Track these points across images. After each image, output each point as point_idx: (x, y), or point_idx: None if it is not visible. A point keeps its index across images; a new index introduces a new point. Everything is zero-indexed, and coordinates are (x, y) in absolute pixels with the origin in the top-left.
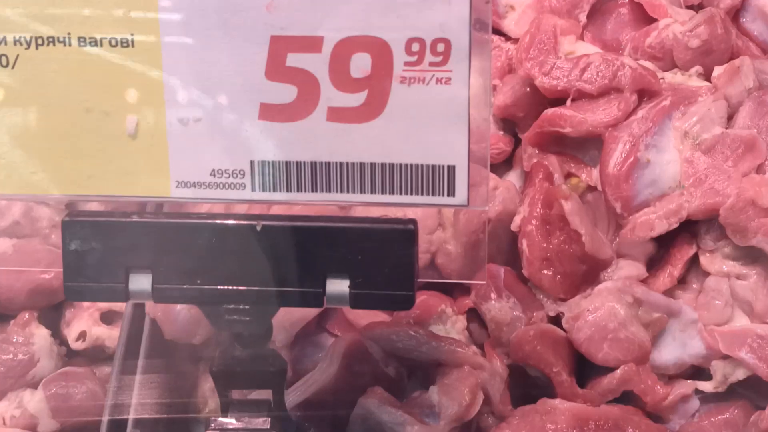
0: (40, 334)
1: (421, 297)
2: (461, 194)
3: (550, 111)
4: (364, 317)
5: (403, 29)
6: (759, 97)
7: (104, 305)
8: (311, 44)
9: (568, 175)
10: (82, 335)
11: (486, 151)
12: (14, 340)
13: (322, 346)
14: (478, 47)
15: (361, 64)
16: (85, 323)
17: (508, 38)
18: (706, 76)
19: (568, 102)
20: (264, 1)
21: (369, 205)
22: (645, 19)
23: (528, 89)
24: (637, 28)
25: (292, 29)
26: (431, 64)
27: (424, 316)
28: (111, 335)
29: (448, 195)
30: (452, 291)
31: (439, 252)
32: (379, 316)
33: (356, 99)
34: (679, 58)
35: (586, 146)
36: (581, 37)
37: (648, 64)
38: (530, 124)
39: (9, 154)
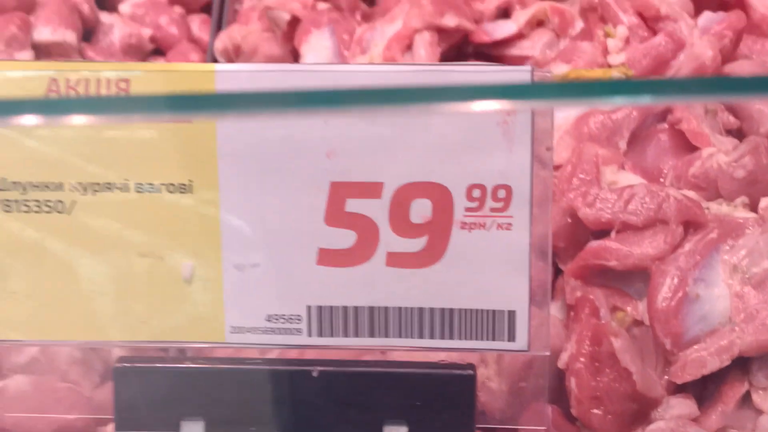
0: None
1: None
2: (522, 339)
3: (594, 244)
4: None
5: (464, 176)
6: None
7: None
8: (371, 190)
9: (613, 309)
10: None
11: (547, 295)
12: None
13: None
14: (540, 193)
15: (421, 209)
16: None
17: (544, 167)
18: (752, 206)
19: (613, 234)
20: (325, 149)
21: (429, 350)
22: (686, 146)
23: (569, 220)
24: (677, 156)
25: (352, 175)
26: (492, 209)
27: None
28: None
29: (509, 340)
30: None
31: (482, 389)
32: None
33: (416, 244)
34: (724, 188)
35: (631, 279)
36: (622, 166)
37: (692, 193)
38: (571, 255)
39: (61, 301)
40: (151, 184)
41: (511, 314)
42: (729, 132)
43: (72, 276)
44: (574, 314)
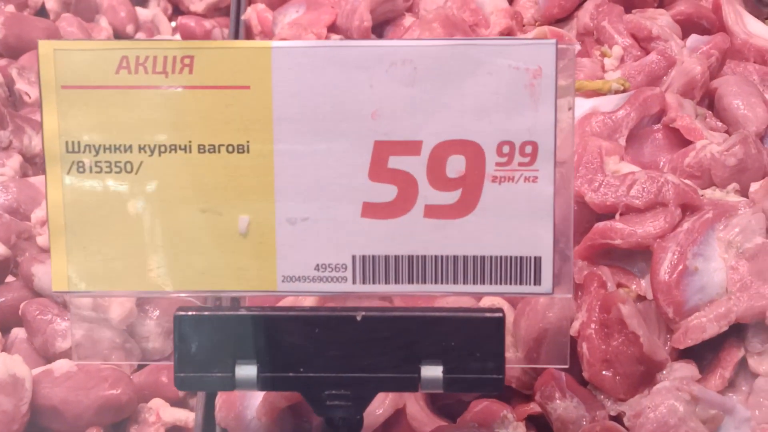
0: None
1: (484, 403)
2: (547, 283)
3: (601, 224)
4: (428, 424)
5: (495, 133)
6: None
7: (170, 419)
8: (411, 148)
9: (618, 286)
10: None
11: (569, 243)
12: None
13: None
14: (563, 149)
15: (456, 165)
16: None
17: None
18: (743, 192)
19: (617, 216)
20: (369, 110)
21: (462, 294)
22: (679, 143)
23: (576, 206)
24: (672, 152)
25: (394, 134)
26: (520, 164)
27: (488, 421)
28: None
29: (535, 284)
30: (510, 399)
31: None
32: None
33: (451, 197)
34: (716, 176)
35: (634, 258)
36: (623, 158)
37: (687, 182)
38: (579, 239)
39: (127, 253)
40: (212, 145)
41: (537, 260)
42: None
43: (139, 231)
44: (583, 288)
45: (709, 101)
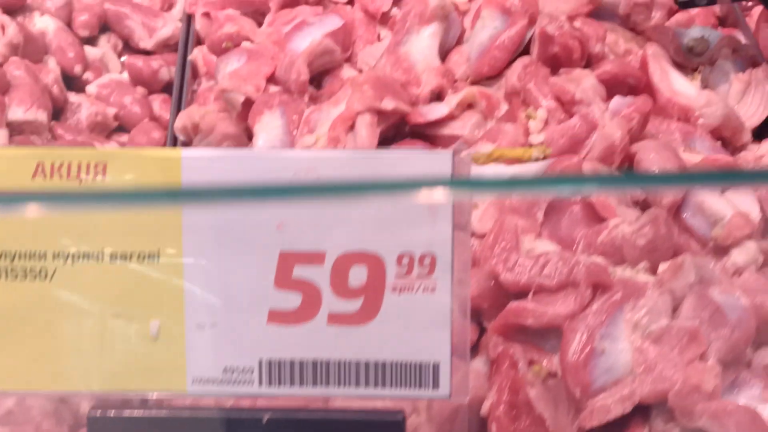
0: None
1: None
2: (444, 388)
3: (514, 304)
4: None
5: (395, 246)
6: (700, 291)
7: None
8: (315, 258)
9: (530, 362)
10: None
11: (467, 349)
12: None
13: None
14: (461, 260)
15: (358, 275)
16: None
17: (473, 234)
18: (653, 270)
19: (530, 296)
20: (275, 222)
21: (364, 397)
22: (596, 216)
23: (492, 283)
24: (588, 225)
25: (298, 245)
26: (419, 275)
27: None
28: None
29: (433, 388)
30: None
31: None
32: None
33: (354, 305)
34: (627, 255)
35: (547, 336)
36: (540, 235)
37: (600, 259)
38: (495, 314)
39: (42, 354)
40: (124, 252)
41: (436, 366)
42: (636, 203)
43: (53, 335)
44: (495, 367)
45: (630, 165)
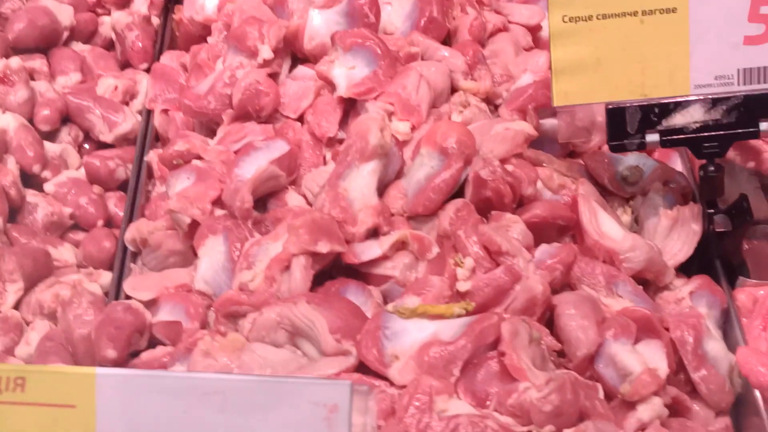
0: None
1: None
2: None
3: None
4: None
5: None
6: None
7: None
8: None
9: None
10: None
11: None
12: None
13: None
14: None
15: None
16: None
17: (392, 384)
18: None
19: None
20: None
21: None
22: (510, 375)
23: None
24: (503, 381)
25: None
26: None
27: None
28: None
29: None
30: None
31: None
32: None
33: None
34: (535, 418)
35: None
36: (455, 392)
37: (510, 420)
38: None
39: None
40: None
41: None
42: (554, 352)
43: None
44: None
45: (551, 315)
